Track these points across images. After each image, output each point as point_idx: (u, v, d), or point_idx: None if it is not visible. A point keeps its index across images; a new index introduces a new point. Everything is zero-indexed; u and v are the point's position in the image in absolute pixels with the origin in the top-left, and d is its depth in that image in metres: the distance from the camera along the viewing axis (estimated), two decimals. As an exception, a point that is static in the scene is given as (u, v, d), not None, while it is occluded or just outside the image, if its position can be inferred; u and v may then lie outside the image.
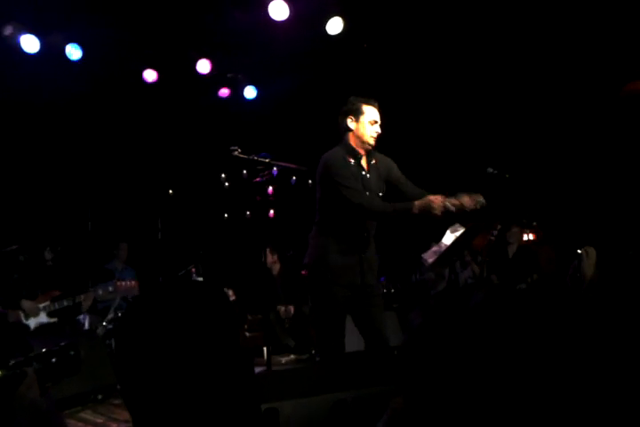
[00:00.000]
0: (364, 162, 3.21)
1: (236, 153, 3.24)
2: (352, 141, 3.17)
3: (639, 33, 5.50)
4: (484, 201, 3.11)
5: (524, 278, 5.46)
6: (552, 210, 6.35)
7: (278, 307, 6.05)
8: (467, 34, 5.92)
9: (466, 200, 3.04)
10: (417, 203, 2.96)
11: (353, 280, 3.09)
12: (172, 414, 0.90)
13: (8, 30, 5.37)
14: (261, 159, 3.26)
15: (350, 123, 3.16)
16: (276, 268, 6.37)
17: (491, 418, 1.17)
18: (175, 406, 0.90)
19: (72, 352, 1.55)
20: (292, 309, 6.05)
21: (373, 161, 3.24)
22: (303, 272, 6.46)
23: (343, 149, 3.18)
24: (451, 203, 2.98)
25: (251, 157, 3.22)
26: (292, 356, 5.81)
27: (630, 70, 6.02)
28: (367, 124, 3.14)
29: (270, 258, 6.32)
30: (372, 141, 3.15)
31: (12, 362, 1.40)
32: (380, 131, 3.17)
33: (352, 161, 3.15)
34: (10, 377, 1.36)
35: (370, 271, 3.15)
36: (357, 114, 3.14)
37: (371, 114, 3.16)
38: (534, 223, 5.74)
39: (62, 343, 1.62)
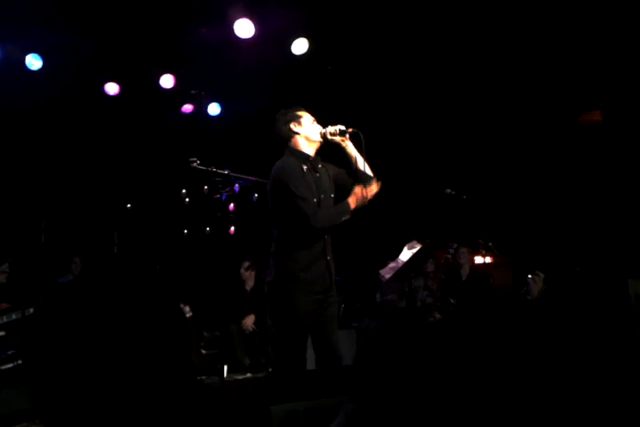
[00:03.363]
0: (313, 165, 3.25)
1: (194, 164, 3.22)
2: (299, 146, 3.24)
3: (594, 65, 5.76)
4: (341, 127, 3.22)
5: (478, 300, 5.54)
6: (508, 231, 6.50)
7: (243, 321, 5.98)
8: (426, 59, 6.09)
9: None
10: (349, 199, 3.11)
11: (323, 284, 3.14)
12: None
13: None
14: (220, 171, 3.26)
15: (294, 127, 3.23)
16: (250, 283, 6.35)
17: (445, 420, 1.18)
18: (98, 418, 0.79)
19: (19, 362, 1.50)
20: (253, 318, 5.99)
21: (320, 165, 3.30)
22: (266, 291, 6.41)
23: (292, 156, 3.22)
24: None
25: (209, 169, 3.21)
26: (249, 374, 5.73)
27: (586, 100, 6.29)
28: (310, 124, 3.25)
29: (247, 272, 6.30)
30: (319, 137, 3.24)
31: None
32: (321, 127, 3.27)
33: (304, 167, 3.18)
34: None
35: (332, 273, 3.21)
36: (297, 118, 3.25)
37: (308, 116, 3.29)
38: (490, 244, 5.85)
39: (9, 352, 1.57)
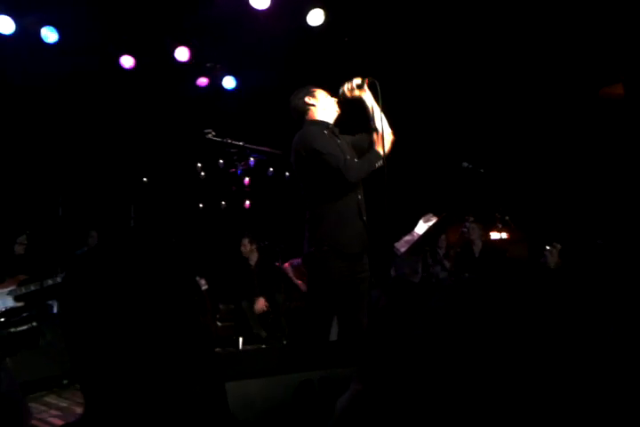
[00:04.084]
0: (333, 131, 3.29)
1: (209, 136, 3.21)
2: (317, 116, 3.28)
3: (615, 38, 5.60)
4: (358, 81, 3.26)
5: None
6: (525, 205, 6.43)
7: (255, 299, 6.01)
8: (445, 31, 5.96)
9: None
10: (379, 149, 3.17)
11: (361, 245, 3.17)
12: (125, 390, 0.83)
13: None
14: (235, 142, 3.24)
15: (309, 100, 3.28)
16: (254, 258, 6.34)
17: (451, 405, 1.17)
18: (129, 379, 0.82)
19: (33, 324, 1.52)
20: (263, 300, 6.02)
21: (338, 132, 3.33)
22: (286, 265, 6.46)
23: (311, 125, 3.25)
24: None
25: (225, 140, 3.20)
26: (264, 346, 5.80)
27: (607, 73, 6.13)
28: (324, 97, 3.31)
29: (248, 247, 6.29)
30: (337, 107, 3.30)
31: None
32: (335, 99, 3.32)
33: (325, 132, 3.21)
34: None
35: (367, 236, 3.24)
36: (311, 92, 3.30)
37: (321, 90, 3.34)
38: (507, 217, 5.79)
39: (24, 314, 1.59)
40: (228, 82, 6.99)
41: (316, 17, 5.91)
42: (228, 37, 6.18)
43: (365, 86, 3.24)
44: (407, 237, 3.87)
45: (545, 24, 5.64)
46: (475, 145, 6.57)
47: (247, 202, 7.17)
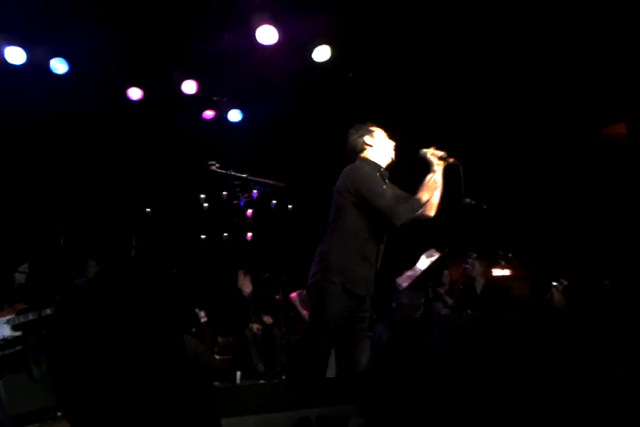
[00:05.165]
0: (383, 176, 3.31)
1: (213, 168, 3.23)
2: (372, 157, 3.30)
3: (618, 75, 5.68)
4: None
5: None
6: (528, 242, 6.40)
7: (250, 325, 6.02)
8: (450, 67, 6.06)
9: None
10: (420, 194, 3.20)
11: (366, 289, 3.15)
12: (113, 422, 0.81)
13: None
14: (238, 174, 3.26)
15: (369, 140, 3.30)
16: (247, 289, 6.37)
17: None
18: (117, 415, 0.81)
19: (17, 347, 1.50)
20: (259, 327, 6.03)
21: (387, 177, 3.36)
22: (293, 295, 6.44)
23: (364, 162, 3.27)
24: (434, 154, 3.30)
25: (228, 172, 3.21)
26: (262, 381, 5.69)
27: (608, 114, 6.19)
28: (384, 139, 3.34)
29: (242, 279, 6.32)
30: (392, 153, 3.33)
31: None
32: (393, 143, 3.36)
33: (377, 174, 3.25)
34: None
35: (373, 284, 3.23)
36: (371, 132, 3.32)
37: (381, 131, 3.37)
38: (510, 255, 5.76)
39: (6, 336, 1.58)
40: (234, 115, 7.08)
41: (321, 53, 6.02)
42: (235, 71, 6.29)
43: (445, 162, 3.31)
44: (409, 273, 3.83)
45: (548, 61, 5.73)
46: (477, 181, 6.58)
47: (249, 234, 7.16)
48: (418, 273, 3.84)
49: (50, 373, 0.85)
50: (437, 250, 3.97)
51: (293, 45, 5.85)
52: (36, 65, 5.76)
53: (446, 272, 6.06)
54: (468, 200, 5.44)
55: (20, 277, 5.34)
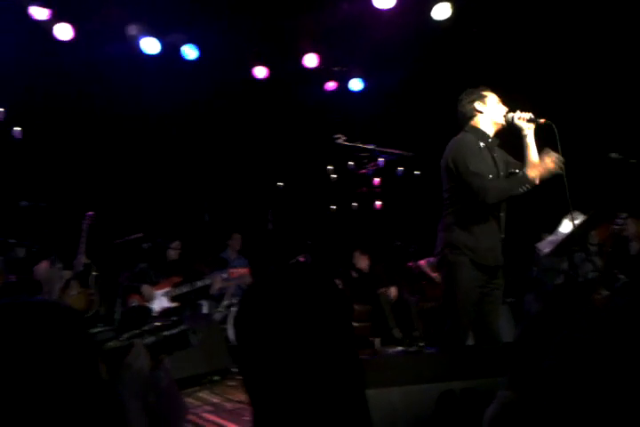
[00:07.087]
0: (492, 144, 3.20)
1: (340, 141, 3.26)
2: (482, 125, 3.19)
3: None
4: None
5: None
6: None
7: (382, 290, 6.12)
8: (576, 17, 5.54)
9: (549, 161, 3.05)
10: (530, 173, 2.99)
11: (494, 260, 3.10)
12: (287, 397, 0.91)
13: (132, 30, 5.71)
14: (366, 146, 3.26)
15: (479, 106, 3.18)
16: (364, 266, 6.52)
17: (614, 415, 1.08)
18: (289, 389, 0.91)
19: (182, 327, 1.63)
20: (394, 290, 6.11)
21: (497, 147, 3.23)
22: (421, 262, 6.46)
23: (470, 132, 3.18)
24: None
25: (355, 145, 3.23)
26: (400, 348, 5.78)
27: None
28: (496, 104, 3.19)
29: (357, 257, 6.50)
30: (502, 119, 3.17)
31: (126, 335, 1.51)
32: (506, 108, 3.20)
33: (481, 144, 3.14)
34: (118, 348, 1.46)
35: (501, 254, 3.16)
36: (482, 97, 3.19)
37: (493, 96, 3.22)
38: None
39: (173, 318, 1.73)
40: (356, 84, 7.04)
41: (441, 11, 5.76)
42: (355, 40, 6.22)
43: (535, 124, 3.10)
44: (551, 238, 3.65)
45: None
46: (624, 133, 6.04)
47: (378, 202, 7.18)
48: (560, 238, 3.66)
49: (238, 363, 0.99)
50: (581, 212, 3.74)
51: (411, 7, 5.65)
52: (169, 53, 6.05)
53: (594, 232, 5.67)
54: (614, 154, 5.02)
55: (172, 254, 5.82)
